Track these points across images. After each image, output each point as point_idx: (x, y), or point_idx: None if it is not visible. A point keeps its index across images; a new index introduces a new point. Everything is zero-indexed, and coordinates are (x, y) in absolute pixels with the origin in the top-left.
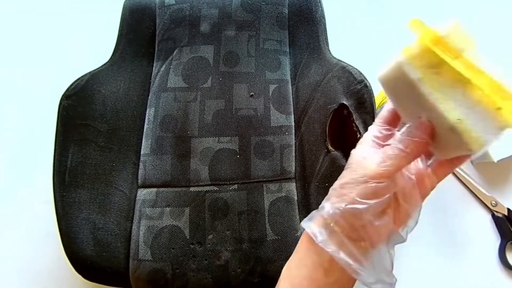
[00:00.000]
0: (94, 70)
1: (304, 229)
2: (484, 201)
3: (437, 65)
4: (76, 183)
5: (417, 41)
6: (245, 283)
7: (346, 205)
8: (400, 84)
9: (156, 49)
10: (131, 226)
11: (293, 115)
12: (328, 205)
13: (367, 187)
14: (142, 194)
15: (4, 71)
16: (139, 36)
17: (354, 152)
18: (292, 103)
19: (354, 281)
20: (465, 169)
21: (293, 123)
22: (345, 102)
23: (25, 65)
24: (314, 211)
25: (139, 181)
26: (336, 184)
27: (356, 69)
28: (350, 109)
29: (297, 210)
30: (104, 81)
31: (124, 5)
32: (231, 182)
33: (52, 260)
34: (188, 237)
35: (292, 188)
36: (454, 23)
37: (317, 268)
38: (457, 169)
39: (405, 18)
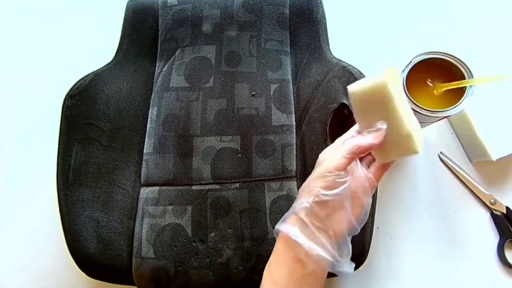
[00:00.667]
0: (98, 70)
1: (278, 232)
2: (483, 200)
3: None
4: (79, 182)
5: (389, 70)
6: (247, 280)
7: (314, 199)
8: (374, 98)
9: (158, 49)
10: (134, 224)
11: (294, 115)
12: (298, 203)
13: (328, 180)
14: (145, 192)
15: (9, 71)
16: (142, 36)
17: (319, 155)
18: (293, 102)
19: (326, 271)
20: (464, 167)
21: (294, 122)
22: (345, 102)
23: (29, 65)
24: (286, 214)
25: (142, 179)
26: (304, 183)
27: (356, 69)
28: (350, 109)
29: None
30: (107, 80)
31: (127, 5)
32: (233, 181)
33: (56, 258)
34: (190, 235)
35: (293, 186)
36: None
37: (295, 262)
38: (456, 168)
39: (404, 18)
